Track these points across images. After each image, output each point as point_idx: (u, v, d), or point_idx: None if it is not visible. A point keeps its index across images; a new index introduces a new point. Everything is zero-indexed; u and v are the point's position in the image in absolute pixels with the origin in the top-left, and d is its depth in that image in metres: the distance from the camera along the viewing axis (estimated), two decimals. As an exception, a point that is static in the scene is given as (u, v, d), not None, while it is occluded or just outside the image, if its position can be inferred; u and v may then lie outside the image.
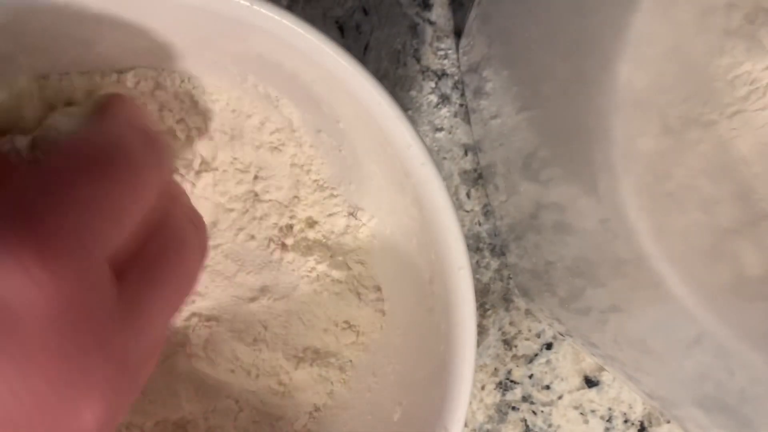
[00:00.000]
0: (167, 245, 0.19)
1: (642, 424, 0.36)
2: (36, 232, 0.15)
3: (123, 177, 0.18)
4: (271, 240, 0.27)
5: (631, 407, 0.36)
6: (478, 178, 0.35)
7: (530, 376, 0.36)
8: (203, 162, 0.27)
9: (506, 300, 0.36)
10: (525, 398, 0.36)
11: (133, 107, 0.23)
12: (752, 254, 0.20)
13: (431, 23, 0.34)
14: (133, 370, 0.17)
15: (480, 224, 0.35)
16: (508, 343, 0.36)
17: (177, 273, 0.19)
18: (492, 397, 0.36)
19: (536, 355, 0.36)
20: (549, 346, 0.36)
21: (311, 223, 0.28)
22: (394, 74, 0.34)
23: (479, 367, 0.36)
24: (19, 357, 0.14)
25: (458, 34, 0.34)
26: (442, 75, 0.34)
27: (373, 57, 0.34)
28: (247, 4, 0.20)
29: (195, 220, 0.21)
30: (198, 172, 0.26)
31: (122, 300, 0.17)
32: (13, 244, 0.14)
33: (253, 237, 0.27)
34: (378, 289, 0.28)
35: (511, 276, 0.35)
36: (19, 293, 0.14)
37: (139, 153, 0.19)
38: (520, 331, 0.36)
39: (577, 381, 0.36)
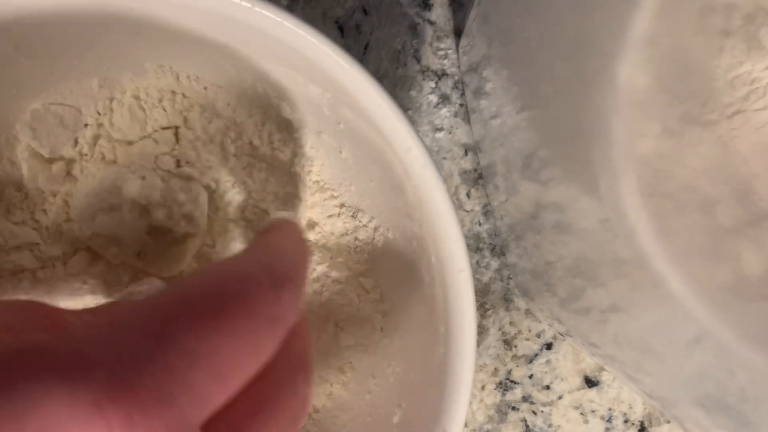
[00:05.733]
0: (261, 405, 0.17)
1: (642, 424, 0.36)
2: (129, 382, 0.13)
3: (240, 339, 0.15)
4: (271, 241, 0.27)
5: (631, 407, 0.36)
6: (478, 178, 0.35)
7: (530, 376, 0.36)
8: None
9: (506, 300, 0.36)
10: (525, 398, 0.36)
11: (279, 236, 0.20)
12: (752, 254, 0.20)
13: (431, 23, 0.34)
14: None
15: (480, 224, 0.35)
16: (508, 343, 0.36)
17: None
18: (492, 397, 0.36)
19: (536, 355, 0.36)
20: (549, 346, 0.36)
21: (311, 225, 0.28)
22: (394, 74, 0.34)
23: (479, 367, 0.36)
24: None
25: (458, 34, 0.34)
26: (442, 75, 0.34)
27: (373, 57, 0.34)
28: (248, 5, 0.20)
29: (302, 369, 0.19)
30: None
31: None
32: (103, 394, 0.13)
33: (252, 239, 0.27)
34: (378, 290, 0.28)
35: (511, 276, 0.35)
36: None
37: (264, 314, 0.16)
38: (520, 331, 0.36)
39: (578, 381, 0.36)
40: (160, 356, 0.14)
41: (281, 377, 0.18)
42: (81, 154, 0.26)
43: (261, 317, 0.16)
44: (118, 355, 0.14)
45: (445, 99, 0.34)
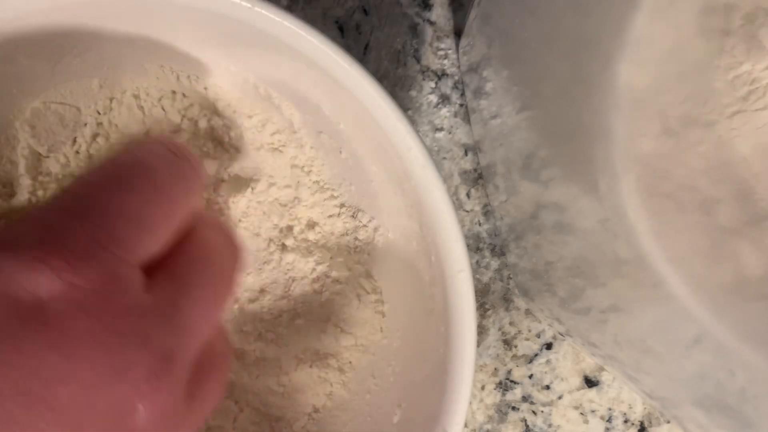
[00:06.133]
0: (197, 252, 0.20)
1: (642, 424, 0.36)
2: (60, 240, 0.16)
3: (145, 190, 0.19)
4: (271, 241, 0.27)
5: (631, 407, 0.36)
6: (478, 178, 0.35)
7: (530, 376, 0.36)
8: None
9: (506, 300, 0.36)
10: (525, 398, 0.36)
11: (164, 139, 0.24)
12: (752, 254, 0.20)
13: (431, 23, 0.34)
14: (179, 368, 0.17)
15: (480, 224, 0.35)
16: (508, 343, 0.36)
17: (209, 276, 0.20)
18: (492, 397, 0.36)
19: (536, 355, 0.36)
20: (549, 346, 0.36)
21: (311, 225, 0.28)
22: (394, 74, 0.34)
23: (479, 367, 0.36)
24: (61, 344, 0.15)
25: (458, 34, 0.34)
26: (442, 75, 0.34)
27: (373, 57, 0.34)
28: (248, 5, 0.20)
29: (224, 230, 0.23)
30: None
31: (157, 300, 0.18)
32: (40, 251, 0.16)
33: (255, 236, 0.27)
34: (378, 290, 0.28)
35: (511, 276, 0.35)
36: (49, 289, 0.15)
37: (164, 172, 0.20)
38: (520, 331, 0.36)
39: (577, 381, 0.36)
40: (82, 217, 0.17)
41: (207, 234, 0.21)
42: (78, 153, 0.26)
43: (162, 179, 0.19)
44: (49, 224, 0.17)
45: (445, 99, 0.34)
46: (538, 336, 0.36)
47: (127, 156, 0.20)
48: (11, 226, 0.17)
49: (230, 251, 0.22)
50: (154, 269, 0.19)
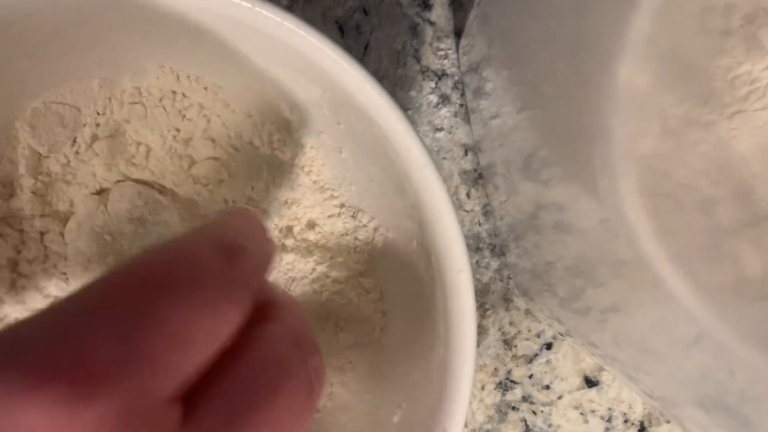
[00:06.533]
0: (257, 371, 0.16)
1: (642, 424, 0.36)
2: (73, 353, 0.12)
3: (192, 298, 0.14)
4: (271, 241, 0.27)
5: (631, 407, 0.36)
6: (478, 178, 0.35)
7: (530, 376, 0.36)
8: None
9: (506, 300, 0.36)
10: (525, 398, 0.36)
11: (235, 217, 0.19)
12: (752, 254, 0.20)
13: (431, 23, 0.34)
14: None
15: (480, 224, 0.35)
16: (508, 343, 0.36)
17: (280, 394, 0.16)
18: (492, 397, 0.36)
19: (536, 355, 0.36)
20: (549, 346, 0.36)
21: (311, 225, 0.28)
22: (394, 74, 0.34)
23: (479, 367, 0.36)
24: None
25: (458, 34, 0.34)
26: (442, 75, 0.34)
27: (374, 57, 0.34)
28: (248, 5, 0.20)
29: (302, 342, 0.17)
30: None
31: None
32: (42, 368, 0.12)
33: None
34: (378, 290, 0.28)
35: (511, 276, 0.35)
36: (44, 426, 0.11)
37: (216, 274, 0.15)
38: (520, 331, 0.36)
39: (577, 381, 0.36)
40: (108, 325, 0.13)
41: (277, 345, 0.17)
42: (78, 153, 0.26)
43: (212, 284, 0.15)
44: (62, 328, 0.13)
45: (445, 99, 0.34)
46: (538, 336, 0.36)
47: (171, 252, 0.15)
48: (18, 325, 0.13)
49: (304, 369, 0.17)
50: (196, 393, 0.14)
